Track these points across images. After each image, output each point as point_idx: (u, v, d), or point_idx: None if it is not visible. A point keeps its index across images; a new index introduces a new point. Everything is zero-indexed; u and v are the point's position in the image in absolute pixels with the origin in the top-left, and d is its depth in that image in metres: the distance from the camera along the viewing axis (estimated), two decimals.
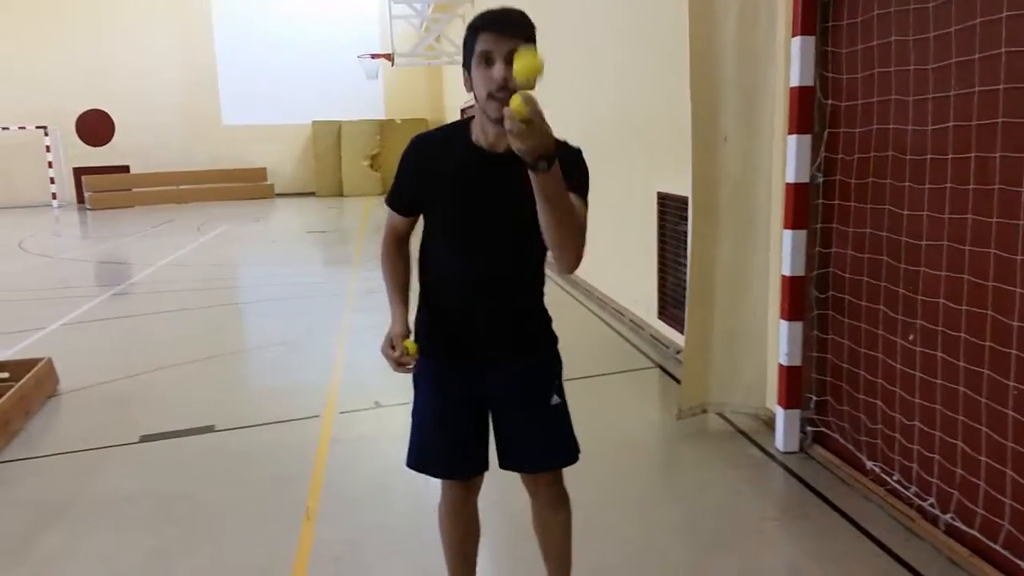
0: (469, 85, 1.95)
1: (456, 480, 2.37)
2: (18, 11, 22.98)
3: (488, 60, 1.85)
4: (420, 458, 2.33)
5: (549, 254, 1.93)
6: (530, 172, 1.62)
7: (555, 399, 2.27)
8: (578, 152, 2.05)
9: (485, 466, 2.35)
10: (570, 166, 1.90)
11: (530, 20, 1.90)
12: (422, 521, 3.29)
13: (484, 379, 2.24)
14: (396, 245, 2.29)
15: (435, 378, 2.28)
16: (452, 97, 22.71)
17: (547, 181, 1.64)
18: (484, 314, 2.17)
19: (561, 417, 2.30)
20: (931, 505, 3.06)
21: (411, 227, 2.27)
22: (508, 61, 1.81)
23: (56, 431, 4.76)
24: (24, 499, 3.78)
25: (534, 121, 1.51)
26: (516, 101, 1.51)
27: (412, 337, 2.14)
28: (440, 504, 2.45)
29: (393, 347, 2.11)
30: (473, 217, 2.07)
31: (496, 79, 1.84)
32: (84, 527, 3.48)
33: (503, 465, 2.32)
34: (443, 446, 2.30)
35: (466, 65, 1.94)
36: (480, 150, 2.03)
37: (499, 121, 1.75)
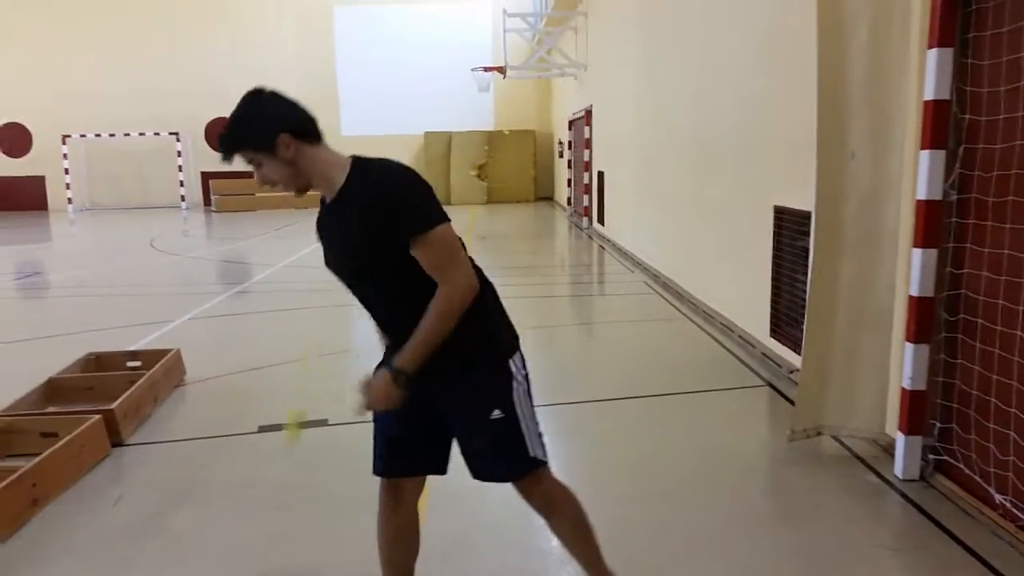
0: None
1: (385, 478, 2.43)
2: (153, 28, 24.62)
3: None
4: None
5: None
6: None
7: (496, 413, 2.24)
8: (389, 187, 2.12)
9: (410, 471, 2.43)
10: (391, 211, 2.08)
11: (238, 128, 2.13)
12: (529, 521, 3.30)
13: (425, 390, 2.25)
14: None
15: None
16: (560, 108, 22.83)
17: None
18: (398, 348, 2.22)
19: (504, 430, 2.26)
20: None
21: None
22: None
23: (182, 418, 5.04)
24: (155, 480, 4.03)
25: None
26: None
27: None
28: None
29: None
30: (335, 267, 2.30)
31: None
32: (209, 508, 3.68)
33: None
34: (377, 441, 2.41)
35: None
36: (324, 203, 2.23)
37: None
